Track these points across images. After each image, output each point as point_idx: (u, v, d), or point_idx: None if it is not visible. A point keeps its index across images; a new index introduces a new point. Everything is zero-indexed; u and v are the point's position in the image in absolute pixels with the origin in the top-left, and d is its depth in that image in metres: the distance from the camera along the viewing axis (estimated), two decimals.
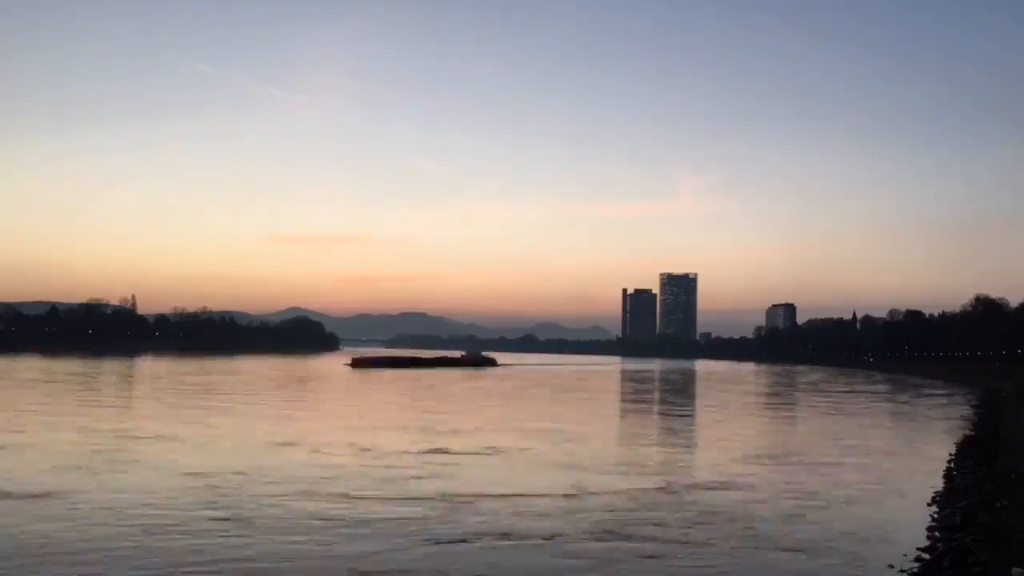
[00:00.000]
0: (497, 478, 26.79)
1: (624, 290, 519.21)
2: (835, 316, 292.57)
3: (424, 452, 32.49)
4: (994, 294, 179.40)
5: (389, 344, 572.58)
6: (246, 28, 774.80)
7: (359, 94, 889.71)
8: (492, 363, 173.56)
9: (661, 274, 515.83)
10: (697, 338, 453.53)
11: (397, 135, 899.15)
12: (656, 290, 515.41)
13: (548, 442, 37.03)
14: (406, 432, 40.32)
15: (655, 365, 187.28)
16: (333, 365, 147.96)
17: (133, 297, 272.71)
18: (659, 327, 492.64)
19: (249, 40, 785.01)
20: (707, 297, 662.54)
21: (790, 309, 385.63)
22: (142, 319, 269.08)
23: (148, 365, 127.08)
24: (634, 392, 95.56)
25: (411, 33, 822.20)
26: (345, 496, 22.85)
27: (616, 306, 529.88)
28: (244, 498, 22.28)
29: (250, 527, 19.10)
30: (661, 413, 64.27)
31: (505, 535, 18.95)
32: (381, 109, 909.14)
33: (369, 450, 32.56)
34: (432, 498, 22.81)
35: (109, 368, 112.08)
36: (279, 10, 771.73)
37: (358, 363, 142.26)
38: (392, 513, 20.90)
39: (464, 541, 18.37)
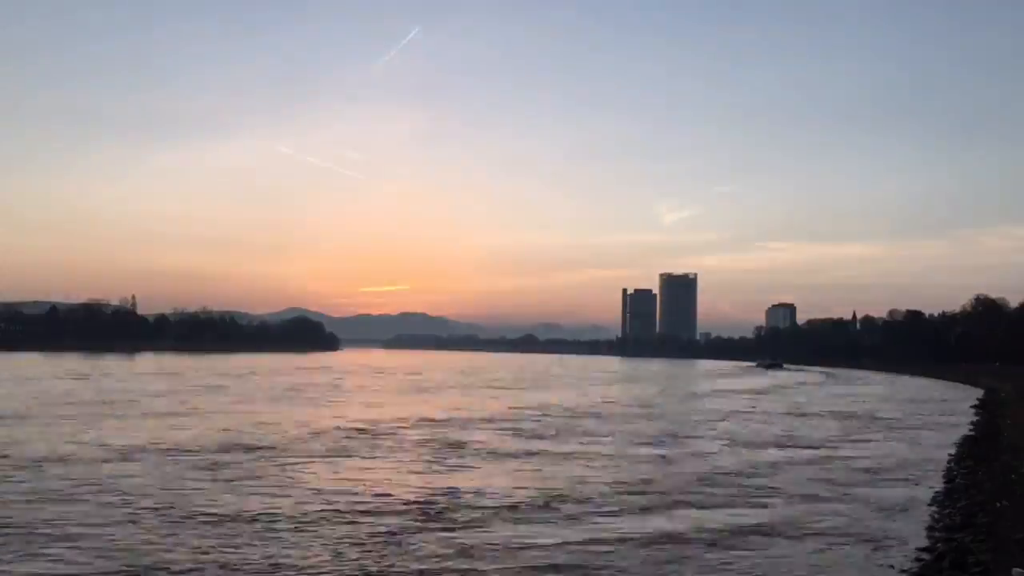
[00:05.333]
0: None
1: (624, 290, 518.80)
2: (835, 316, 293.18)
3: None
4: (994, 294, 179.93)
5: (388, 345, 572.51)
6: (256, 40, 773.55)
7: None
8: None
9: (661, 274, 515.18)
10: (697, 338, 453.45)
11: (402, 144, 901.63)
12: (656, 290, 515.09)
13: None
14: None
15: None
16: None
17: (133, 297, 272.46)
18: (659, 327, 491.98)
19: (250, 46, 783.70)
20: (707, 297, 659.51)
21: (790, 309, 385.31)
22: (142, 319, 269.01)
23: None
24: None
25: (414, 56, 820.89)
26: None
27: (616, 306, 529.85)
28: None
29: None
30: None
31: None
32: (388, 115, 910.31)
33: None
34: None
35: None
36: (297, 28, 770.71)
37: None
38: None
39: None
